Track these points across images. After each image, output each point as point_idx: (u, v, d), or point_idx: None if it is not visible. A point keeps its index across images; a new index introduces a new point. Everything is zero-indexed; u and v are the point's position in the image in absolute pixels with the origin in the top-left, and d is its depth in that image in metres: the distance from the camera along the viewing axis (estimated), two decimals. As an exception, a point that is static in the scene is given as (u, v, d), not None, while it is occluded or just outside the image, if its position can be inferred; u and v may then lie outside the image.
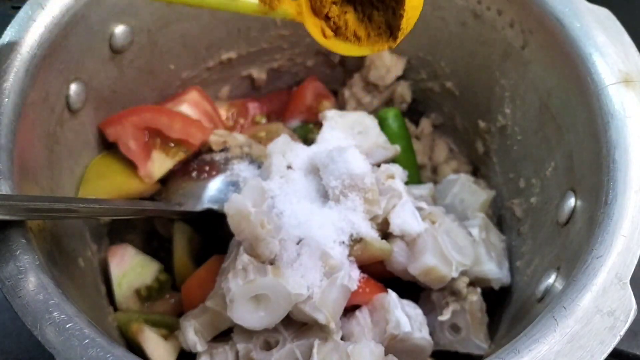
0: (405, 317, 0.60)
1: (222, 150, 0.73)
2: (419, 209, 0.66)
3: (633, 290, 0.47)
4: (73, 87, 0.61)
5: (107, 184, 0.66)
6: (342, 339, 0.57)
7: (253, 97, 0.85)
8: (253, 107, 0.84)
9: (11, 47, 0.55)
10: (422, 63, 0.79)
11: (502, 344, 0.54)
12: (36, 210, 0.48)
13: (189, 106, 0.75)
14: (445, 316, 0.65)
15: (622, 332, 0.46)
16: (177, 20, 0.70)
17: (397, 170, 0.67)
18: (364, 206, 0.61)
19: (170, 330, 0.64)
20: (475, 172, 0.81)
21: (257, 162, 0.72)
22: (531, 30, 0.64)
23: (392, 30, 0.49)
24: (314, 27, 0.51)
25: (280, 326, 0.57)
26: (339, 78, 0.85)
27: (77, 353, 0.43)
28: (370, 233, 0.61)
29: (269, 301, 0.54)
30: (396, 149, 0.73)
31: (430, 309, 0.67)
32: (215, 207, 0.68)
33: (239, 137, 0.75)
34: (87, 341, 0.44)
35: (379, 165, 0.67)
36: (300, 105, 0.82)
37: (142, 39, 0.68)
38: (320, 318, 0.55)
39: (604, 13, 0.59)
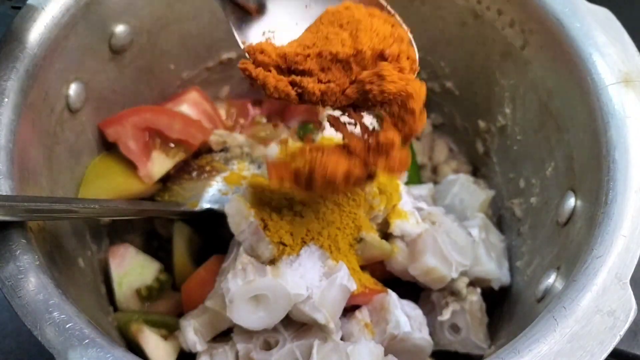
0: (405, 317, 0.60)
1: (222, 150, 0.73)
2: (419, 209, 0.66)
3: (633, 290, 0.47)
4: (73, 87, 0.61)
5: (107, 185, 0.66)
6: (342, 339, 0.57)
7: (253, 97, 0.85)
8: (253, 107, 0.84)
9: (11, 47, 0.55)
10: (422, 63, 0.78)
11: (502, 344, 0.54)
12: (36, 211, 0.49)
13: (189, 106, 0.75)
14: (445, 316, 0.65)
15: (622, 332, 0.46)
16: (177, 21, 0.70)
17: (397, 170, 0.67)
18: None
19: (170, 330, 0.64)
20: (475, 172, 0.81)
21: (257, 162, 0.72)
22: (531, 30, 0.63)
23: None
24: None
25: (280, 326, 0.57)
26: (339, 78, 0.85)
27: (77, 353, 0.43)
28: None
29: (269, 301, 0.54)
30: (396, 149, 0.73)
31: (430, 309, 0.67)
32: (215, 207, 0.68)
33: (239, 137, 0.75)
34: (87, 341, 0.44)
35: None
36: (300, 106, 0.82)
37: (142, 39, 0.68)
38: (320, 318, 0.55)
39: (604, 13, 0.59)
